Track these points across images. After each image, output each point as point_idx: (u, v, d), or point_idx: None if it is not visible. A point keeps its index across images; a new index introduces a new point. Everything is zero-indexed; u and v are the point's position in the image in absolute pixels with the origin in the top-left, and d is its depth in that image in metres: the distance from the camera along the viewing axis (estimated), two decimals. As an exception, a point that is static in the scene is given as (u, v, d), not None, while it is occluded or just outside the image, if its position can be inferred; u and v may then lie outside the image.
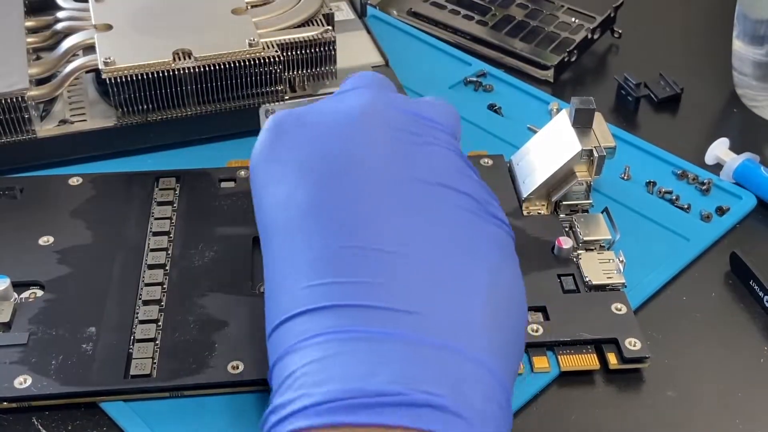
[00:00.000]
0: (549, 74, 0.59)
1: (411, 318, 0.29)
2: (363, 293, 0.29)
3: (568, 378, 0.40)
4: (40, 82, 0.51)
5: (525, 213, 0.46)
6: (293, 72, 0.52)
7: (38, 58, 0.54)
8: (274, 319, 0.31)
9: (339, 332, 0.28)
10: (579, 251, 0.44)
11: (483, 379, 0.29)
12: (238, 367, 0.38)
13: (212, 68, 0.50)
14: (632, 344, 0.39)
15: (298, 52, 0.52)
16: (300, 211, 0.32)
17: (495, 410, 0.29)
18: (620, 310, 0.41)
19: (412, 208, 0.32)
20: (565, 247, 0.43)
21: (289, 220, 0.32)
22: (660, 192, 0.49)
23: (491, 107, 0.56)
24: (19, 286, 0.42)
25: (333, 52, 0.53)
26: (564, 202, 0.46)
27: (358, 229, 0.31)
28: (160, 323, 0.40)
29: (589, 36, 0.61)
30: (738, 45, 0.55)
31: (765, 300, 0.43)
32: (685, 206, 0.48)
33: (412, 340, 0.28)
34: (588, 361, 0.39)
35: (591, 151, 0.44)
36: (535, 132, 0.50)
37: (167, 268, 0.43)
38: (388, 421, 0.26)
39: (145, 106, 0.50)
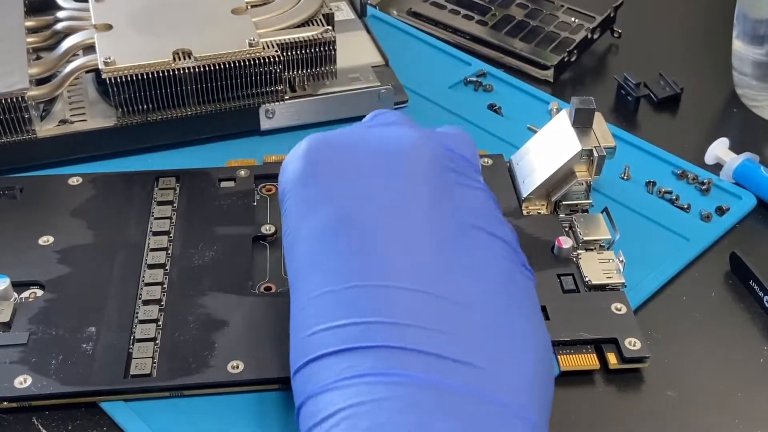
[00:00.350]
0: (549, 74, 0.59)
1: (462, 368, 0.27)
2: (410, 336, 0.27)
3: (568, 378, 0.39)
4: (40, 82, 0.51)
5: (525, 213, 0.46)
6: (293, 72, 0.52)
7: (38, 58, 0.54)
8: (305, 354, 0.29)
9: (385, 375, 0.27)
10: (579, 251, 0.44)
11: None
12: (238, 367, 0.38)
13: (212, 68, 0.50)
14: (632, 344, 0.39)
15: (298, 52, 0.52)
16: (338, 245, 0.30)
17: None
18: (620, 309, 0.41)
19: (456, 251, 0.30)
20: (564, 246, 0.43)
21: (325, 252, 0.30)
22: (660, 192, 0.49)
23: (491, 107, 0.56)
24: (19, 285, 0.42)
25: (333, 52, 0.53)
26: (564, 202, 0.46)
27: (400, 268, 0.29)
28: (160, 323, 0.40)
29: (589, 36, 0.61)
30: (738, 45, 0.55)
31: (765, 300, 0.43)
32: (685, 206, 0.48)
33: (464, 392, 0.27)
34: (588, 360, 0.39)
35: (591, 151, 0.44)
36: (535, 132, 0.50)
37: (167, 267, 0.43)
38: None
39: (145, 106, 0.50)
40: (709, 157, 0.52)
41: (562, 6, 0.64)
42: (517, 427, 0.27)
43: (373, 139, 0.34)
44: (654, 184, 0.50)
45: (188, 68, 0.49)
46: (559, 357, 0.40)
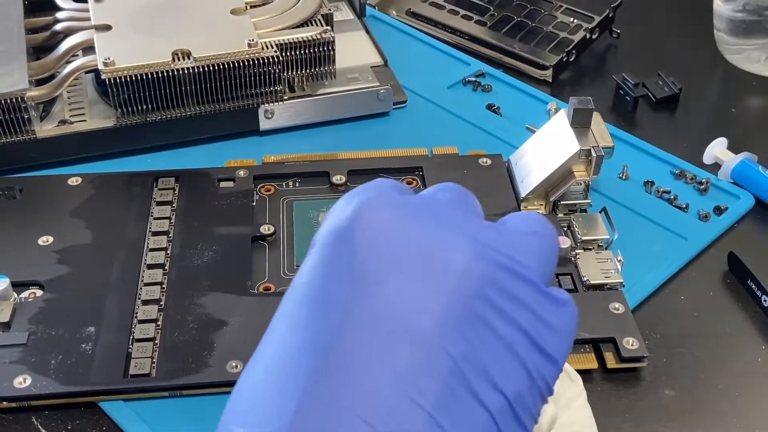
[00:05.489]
0: (547, 74, 0.59)
1: None
2: None
3: (566, 377, 0.40)
4: (39, 82, 0.51)
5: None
6: (292, 72, 0.53)
7: (38, 58, 0.54)
8: (246, 422, 0.26)
9: None
10: (577, 251, 0.44)
11: None
12: (237, 367, 0.38)
13: (211, 68, 0.50)
14: (630, 344, 0.39)
15: (297, 53, 0.52)
16: (330, 330, 0.26)
17: None
18: (618, 309, 0.41)
19: (441, 406, 0.26)
20: (563, 246, 0.43)
21: (302, 342, 0.27)
22: (658, 191, 0.49)
23: (490, 107, 0.56)
24: (18, 285, 0.42)
25: (332, 52, 0.53)
26: (562, 202, 0.46)
27: (376, 402, 0.25)
28: (159, 323, 0.40)
29: (588, 36, 0.61)
30: (717, 3, 0.59)
31: (762, 299, 0.43)
32: (683, 206, 0.48)
33: None
34: (586, 360, 0.40)
35: (589, 150, 0.44)
36: (533, 132, 0.51)
37: (166, 267, 0.43)
38: None
39: (145, 107, 0.50)
40: (708, 157, 0.52)
41: (561, 6, 0.64)
42: None
43: (423, 241, 0.28)
44: (652, 183, 0.50)
45: (187, 68, 0.49)
46: (557, 356, 0.40)
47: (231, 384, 0.38)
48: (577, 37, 0.61)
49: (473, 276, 0.28)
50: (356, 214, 0.28)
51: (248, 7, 0.54)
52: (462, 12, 0.64)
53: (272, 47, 0.51)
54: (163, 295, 0.42)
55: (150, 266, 0.43)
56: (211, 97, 0.51)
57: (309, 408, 0.25)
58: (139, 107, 0.50)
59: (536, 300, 0.28)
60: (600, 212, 0.46)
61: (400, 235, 0.28)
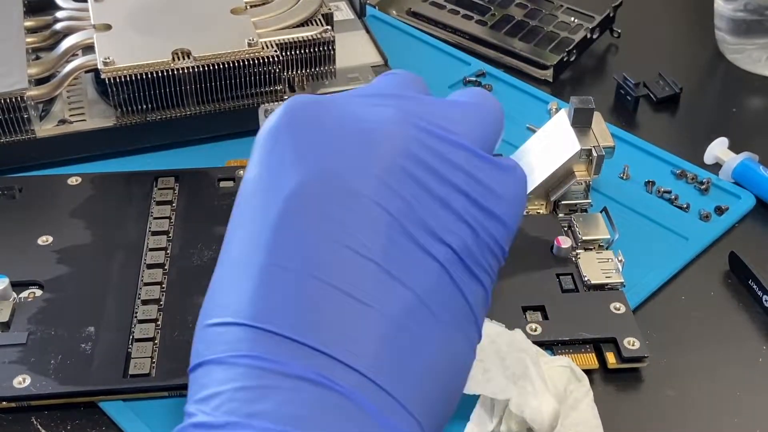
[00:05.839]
0: (548, 74, 0.59)
1: (355, 378, 0.26)
2: (314, 332, 0.26)
3: (566, 377, 0.39)
4: (39, 82, 0.51)
5: (524, 212, 0.46)
6: (292, 72, 0.53)
7: (38, 58, 0.54)
8: (214, 314, 0.28)
9: (276, 363, 0.26)
10: (578, 251, 0.44)
11: None
12: (237, 367, 0.38)
13: (211, 68, 0.50)
14: (631, 344, 0.39)
15: (297, 52, 0.52)
16: (279, 212, 0.28)
17: None
18: (619, 309, 0.41)
19: (388, 257, 0.28)
20: (564, 246, 0.43)
21: (264, 214, 0.29)
22: (659, 191, 0.49)
23: (490, 107, 0.55)
24: (18, 285, 0.42)
25: (332, 52, 0.53)
26: (563, 202, 0.46)
27: (326, 261, 0.27)
28: (159, 323, 0.40)
29: (589, 35, 0.61)
30: (718, 3, 0.59)
31: (763, 299, 0.43)
32: (684, 206, 0.48)
33: (347, 402, 0.26)
34: (587, 360, 0.40)
35: (590, 150, 0.44)
36: (534, 131, 0.50)
37: (166, 267, 0.43)
38: None
39: (145, 106, 0.50)
40: (709, 157, 0.52)
41: (562, 6, 0.64)
42: None
43: (350, 116, 0.31)
44: (653, 183, 0.50)
45: (187, 68, 0.49)
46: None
47: (231, 384, 0.38)
48: (577, 37, 0.61)
49: (400, 139, 0.30)
50: (287, 108, 0.30)
51: (248, 7, 0.54)
52: (462, 12, 0.64)
53: (272, 47, 0.51)
54: (163, 294, 0.42)
55: (150, 266, 0.43)
56: (211, 97, 0.51)
57: (268, 279, 0.27)
58: (139, 107, 0.50)
59: (472, 163, 0.30)
60: (601, 212, 0.46)
61: (330, 116, 0.30)
